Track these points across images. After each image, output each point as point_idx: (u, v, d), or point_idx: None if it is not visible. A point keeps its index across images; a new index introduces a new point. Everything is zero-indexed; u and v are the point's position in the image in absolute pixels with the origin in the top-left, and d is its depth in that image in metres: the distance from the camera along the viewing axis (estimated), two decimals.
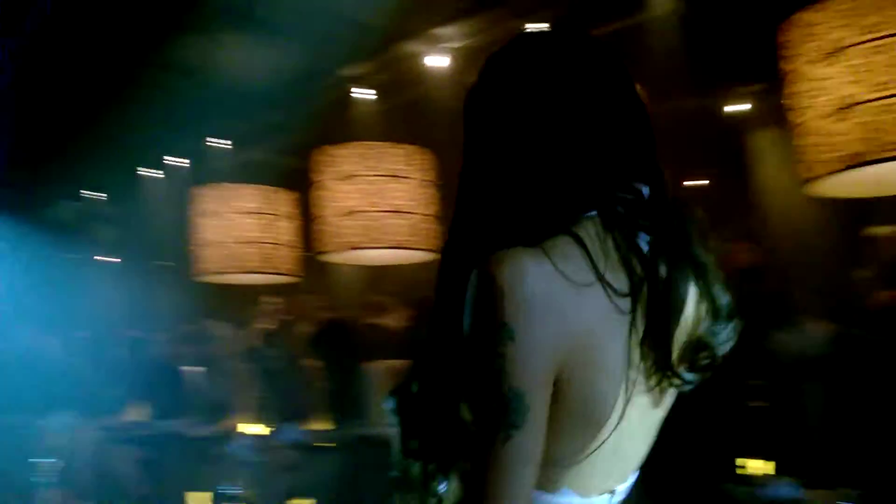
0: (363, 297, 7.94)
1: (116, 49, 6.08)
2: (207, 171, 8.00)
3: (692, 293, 0.84)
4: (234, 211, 6.47)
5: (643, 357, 0.80)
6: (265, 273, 6.48)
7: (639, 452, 0.89)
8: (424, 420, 0.85)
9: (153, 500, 4.47)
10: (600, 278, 0.77)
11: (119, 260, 10.30)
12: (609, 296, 0.77)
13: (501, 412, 0.73)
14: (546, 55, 0.86)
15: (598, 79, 0.85)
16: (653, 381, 0.82)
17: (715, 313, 0.85)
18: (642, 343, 0.79)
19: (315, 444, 3.77)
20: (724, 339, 0.86)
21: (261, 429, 4.65)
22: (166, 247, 8.86)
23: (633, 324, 0.78)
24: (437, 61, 6.03)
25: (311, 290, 8.02)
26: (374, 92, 6.59)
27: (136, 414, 5.17)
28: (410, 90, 6.39)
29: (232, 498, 2.06)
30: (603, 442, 0.79)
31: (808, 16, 2.86)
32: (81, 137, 7.17)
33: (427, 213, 5.14)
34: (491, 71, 0.89)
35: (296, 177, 7.45)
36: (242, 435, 4.48)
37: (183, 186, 8.22)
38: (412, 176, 5.27)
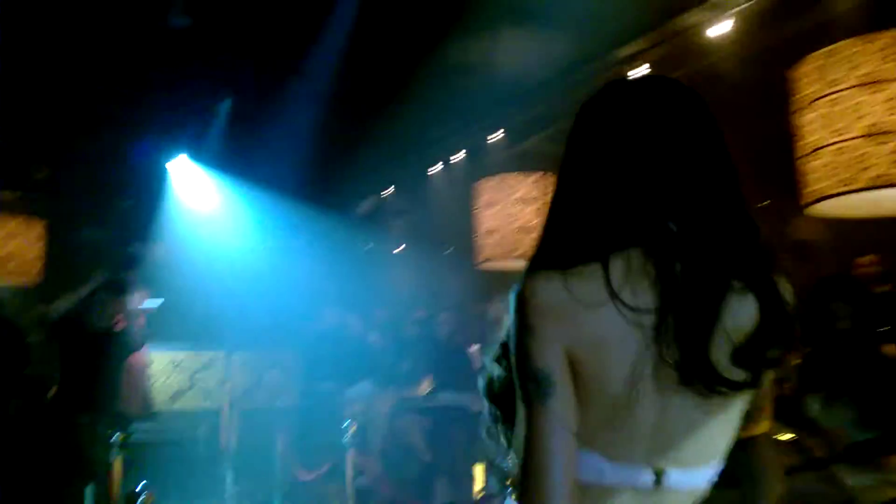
0: None
1: (403, 53, 6.60)
2: (486, 163, 8.36)
3: (737, 307, 0.97)
4: (511, 200, 6.74)
5: (668, 359, 0.95)
6: None
7: (691, 443, 1.00)
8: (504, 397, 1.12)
9: (437, 468, 4.79)
10: (613, 297, 0.96)
11: (407, 247, 11.23)
12: (621, 311, 0.95)
13: (535, 386, 0.97)
14: (614, 107, 1.07)
15: (657, 127, 1.03)
16: (691, 382, 0.96)
17: (765, 324, 0.96)
18: (668, 348, 0.95)
19: None
20: (775, 344, 0.98)
21: None
22: (450, 235, 9.45)
23: (657, 333, 0.95)
24: (718, 29, 5.60)
25: None
26: (647, 67, 6.33)
27: (425, 387, 5.59)
28: (690, 62, 6.02)
29: (502, 470, 2.12)
30: (614, 419, 0.98)
31: (790, 73, 3.58)
32: (375, 138, 7.93)
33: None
34: (579, 114, 1.12)
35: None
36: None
37: (463, 178, 8.73)
38: None
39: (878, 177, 3.29)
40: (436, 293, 9.05)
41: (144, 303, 7.16)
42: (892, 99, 3.21)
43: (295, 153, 7.71)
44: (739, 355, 0.97)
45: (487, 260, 6.81)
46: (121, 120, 7.61)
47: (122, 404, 6.80)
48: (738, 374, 0.97)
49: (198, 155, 8.87)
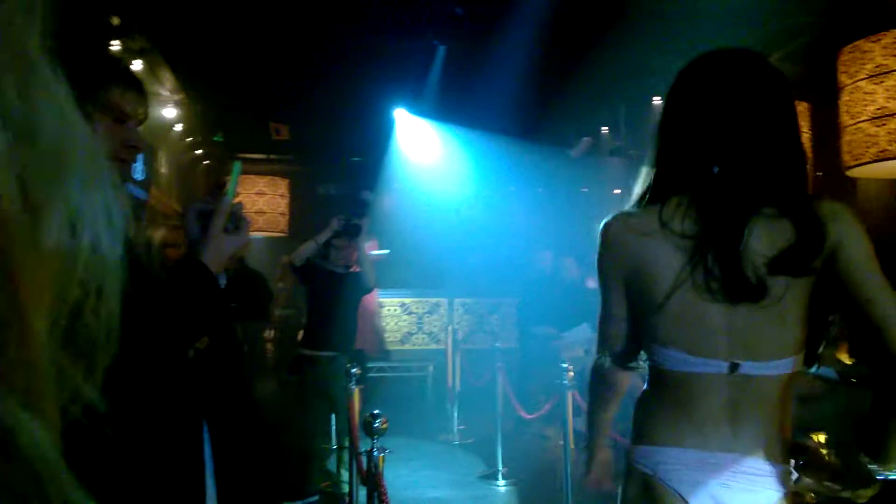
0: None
1: None
2: None
3: (769, 229, 1.24)
4: None
5: (711, 274, 1.24)
6: None
7: (758, 341, 1.24)
8: None
9: None
10: (662, 227, 1.28)
11: (625, 190, 10.81)
12: (668, 237, 1.28)
13: (601, 288, 1.39)
14: (692, 79, 1.35)
15: (724, 94, 1.30)
16: (731, 292, 1.23)
17: (799, 240, 1.22)
18: (710, 265, 1.24)
19: (829, 377, 3.36)
20: (809, 255, 1.22)
21: None
22: None
23: (699, 253, 1.25)
24: None
25: None
26: None
27: None
28: None
29: None
30: (687, 322, 1.27)
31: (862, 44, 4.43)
32: (590, 74, 7.63)
33: None
34: (672, 83, 1.38)
35: (804, 86, 6.66)
36: None
37: None
38: None
39: (879, 152, 4.42)
40: None
41: (373, 252, 7.69)
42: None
43: (509, 96, 7.68)
44: (774, 266, 1.22)
45: None
46: (344, 80, 8.08)
47: (359, 343, 7.42)
48: (776, 283, 1.22)
49: (417, 107, 9.20)
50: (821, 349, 1.29)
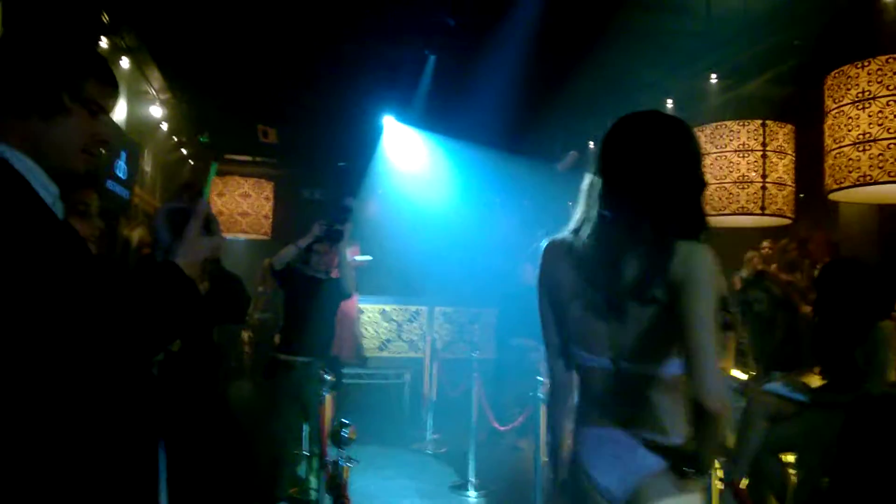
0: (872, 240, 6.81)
1: None
2: (699, 110, 7.77)
3: (634, 263, 1.51)
4: (728, 150, 6.22)
5: (597, 289, 1.56)
6: (754, 214, 6.07)
7: (634, 346, 1.52)
8: None
9: None
10: (570, 253, 1.60)
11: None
12: (571, 264, 1.59)
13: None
14: (605, 141, 1.67)
15: (626, 151, 1.62)
16: (613, 307, 1.54)
17: (649, 271, 1.50)
18: (598, 285, 1.56)
19: (799, 399, 3.36)
20: (657, 284, 1.48)
21: (745, 375, 4.38)
22: None
23: (593, 276, 1.56)
24: None
25: (808, 234, 7.21)
26: None
27: None
28: None
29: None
30: (584, 330, 1.59)
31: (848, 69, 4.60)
32: (578, 89, 7.66)
33: None
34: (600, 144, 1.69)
35: (790, 108, 6.70)
36: (728, 378, 4.30)
37: None
38: None
39: (860, 177, 4.51)
40: None
41: (355, 258, 7.65)
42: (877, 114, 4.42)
43: (497, 108, 7.69)
44: (629, 292, 1.50)
45: None
46: (334, 86, 8.06)
47: (336, 349, 7.37)
48: (633, 306, 1.51)
49: (405, 115, 9.19)
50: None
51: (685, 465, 1.50)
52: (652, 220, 1.50)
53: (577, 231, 1.60)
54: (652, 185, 1.51)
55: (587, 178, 1.66)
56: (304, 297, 4.38)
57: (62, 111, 1.26)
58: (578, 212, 1.64)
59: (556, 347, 1.66)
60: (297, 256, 4.39)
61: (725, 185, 6.27)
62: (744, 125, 6.23)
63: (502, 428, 4.97)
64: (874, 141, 4.60)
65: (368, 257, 7.48)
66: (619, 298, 1.51)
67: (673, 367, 1.50)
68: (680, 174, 1.53)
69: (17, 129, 1.23)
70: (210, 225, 1.32)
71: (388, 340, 8.14)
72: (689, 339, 1.41)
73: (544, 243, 1.68)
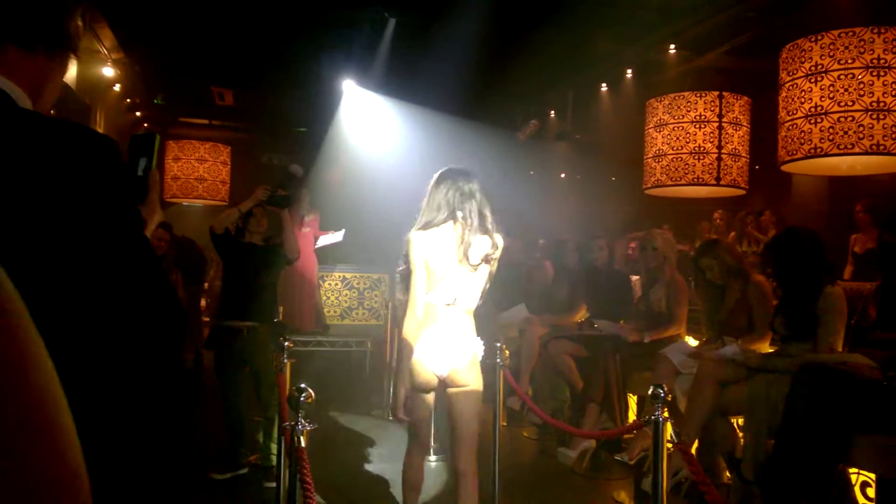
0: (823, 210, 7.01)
1: None
2: (656, 81, 7.84)
3: (481, 241, 2.66)
4: (685, 121, 6.30)
5: (461, 257, 2.63)
6: (709, 185, 6.19)
7: (466, 289, 2.66)
8: None
9: (588, 396, 4.71)
10: (439, 237, 2.66)
11: (569, 173, 10.93)
12: (440, 242, 2.66)
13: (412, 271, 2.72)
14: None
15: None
16: (468, 265, 2.64)
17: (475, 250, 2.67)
18: (462, 255, 2.64)
19: (748, 364, 3.48)
20: (480, 250, 2.65)
21: (697, 340, 4.50)
22: (616, 160, 9.05)
23: (453, 251, 2.65)
24: None
25: (760, 206, 7.38)
26: None
27: (580, 314, 5.47)
28: None
29: (657, 396, 2.05)
30: (442, 281, 2.65)
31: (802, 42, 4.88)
32: (539, 58, 7.64)
33: None
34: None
35: (746, 80, 6.80)
36: (683, 343, 4.41)
37: (632, 98, 8.25)
38: None
39: (811, 149, 4.75)
40: (598, 220, 8.77)
41: (329, 237, 7.57)
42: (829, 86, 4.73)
43: (458, 75, 7.64)
44: (473, 255, 2.62)
45: (656, 185, 6.47)
46: (292, 48, 7.91)
47: (297, 318, 7.34)
48: (477, 268, 2.65)
49: (365, 80, 9.07)
50: None
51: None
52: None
53: (434, 228, 2.65)
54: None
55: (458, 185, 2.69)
56: (242, 262, 4.29)
57: (65, 46, 1.12)
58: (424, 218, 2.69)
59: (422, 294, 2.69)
60: (238, 221, 4.30)
61: (682, 155, 6.39)
62: (701, 96, 6.33)
63: None
64: (825, 114, 4.73)
65: (341, 232, 7.42)
66: (468, 264, 2.63)
67: (475, 303, 2.72)
68: None
69: (22, 65, 1.08)
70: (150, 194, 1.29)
71: (350, 308, 8.15)
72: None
73: (410, 235, 2.67)
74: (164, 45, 7.94)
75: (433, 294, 2.63)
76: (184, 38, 7.75)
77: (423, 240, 2.63)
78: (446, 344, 2.63)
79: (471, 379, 2.66)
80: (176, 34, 7.63)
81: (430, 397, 2.77)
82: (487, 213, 2.64)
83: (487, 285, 2.68)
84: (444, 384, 2.69)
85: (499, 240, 2.66)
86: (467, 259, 2.58)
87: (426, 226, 2.64)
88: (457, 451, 2.74)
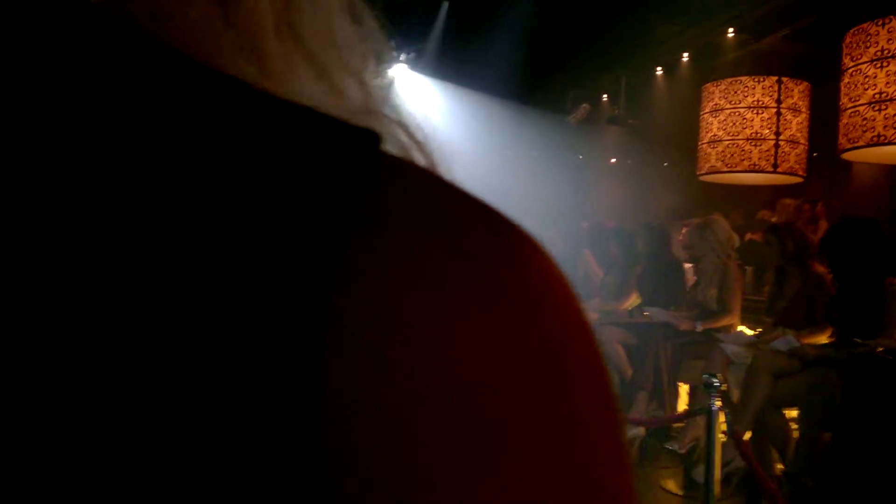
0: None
1: None
2: (714, 66, 7.68)
3: None
4: (741, 106, 6.17)
5: None
6: (766, 172, 6.07)
7: None
8: None
9: (637, 384, 4.69)
10: None
11: (620, 159, 10.79)
12: None
13: None
14: None
15: None
16: None
17: None
18: None
19: (809, 356, 3.42)
20: None
21: (753, 331, 4.44)
22: (670, 145, 8.92)
23: None
24: None
25: (820, 195, 7.21)
26: None
27: (630, 302, 5.44)
28: None
29: (710, 385, 2.04)
30: None
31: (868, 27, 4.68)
32: (591, 42, 7.57)
33: None
34: None
35: (807, 65, 6.62)
36: (738, 334, 4.36)
37: (688, 82, 8.10)
38: None
39: (874, 137, 4.58)
40: (651, 206, 8.67)
41: None
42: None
43: (510, 59, 7.60)
44: None
45: (711, 171, 6.36)
46: None
47: None
48: None
49: (416, 63, 9.10)
50: None
51: None
52: None
53: None
54: None
55: None
56: None
57: None
58: None
59: None
60: None
61: (738, 141, 6.26)
62: (759, 81, 6.18)
63: None
64: (891, 101, 4.58)
65: None
66: None
67: None
68: None
69: None
70: None
71: None
72: None
73: None
74: None
75: None
76: None
77: None
78: None
79: None
80: None
81: None
82: None
83: None
84: None
85: None
86: None
87: None
88: None
